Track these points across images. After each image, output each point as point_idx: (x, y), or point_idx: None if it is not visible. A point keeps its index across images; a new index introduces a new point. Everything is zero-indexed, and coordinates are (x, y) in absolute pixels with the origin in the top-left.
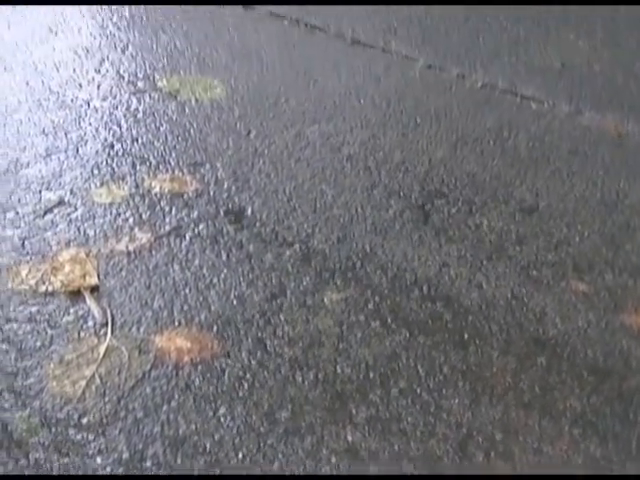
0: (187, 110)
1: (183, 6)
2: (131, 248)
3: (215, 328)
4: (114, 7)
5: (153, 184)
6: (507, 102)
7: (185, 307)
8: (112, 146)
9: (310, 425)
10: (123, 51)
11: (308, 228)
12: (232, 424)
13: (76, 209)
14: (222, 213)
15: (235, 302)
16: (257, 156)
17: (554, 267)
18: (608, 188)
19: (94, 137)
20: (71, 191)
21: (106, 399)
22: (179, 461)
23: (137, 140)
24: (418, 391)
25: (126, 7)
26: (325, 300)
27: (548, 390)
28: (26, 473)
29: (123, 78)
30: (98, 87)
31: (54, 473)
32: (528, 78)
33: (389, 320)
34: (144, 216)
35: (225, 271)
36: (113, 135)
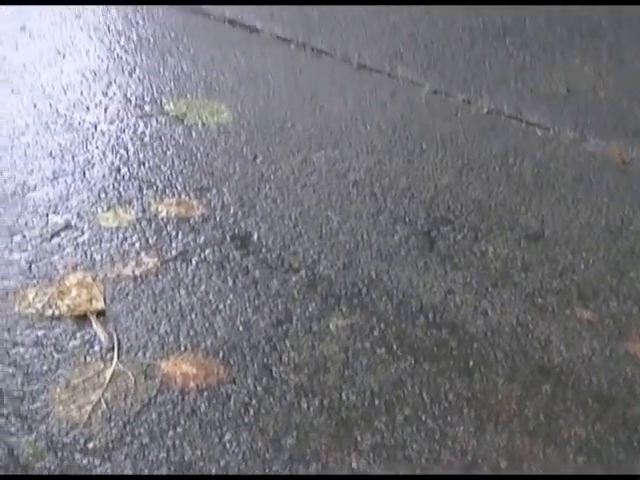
0: (194, 134)
1: (190, 29)
2: (137, 273)
3: (221, 354)
4: (122, 29)
5: (160, 208)
6: (513, 128)
7: (191, 332)
8: (119, 170)
9: (315, 452)
10: (130, 74)
11: (314, 254)
12: (238, 450)
13: (83, 233)
14: (228, 238)
15: (241, 328)
16: (263, 181)
17: (559, 294)
18: (613, 215)
19: (101, 160)
20: (78, 215)
21: (112, 424)
22: None
23: (144, 164)
24: (423, 418)
25: (134, 30)
26: (331, 326)
27: (553, 418)
28: None
29: (130, 101)
30: (105, 110)
31: None
32: (534, 104)
33: (394, 347)
34: (151, 241)
35: (231, 297)
36: (120, 159)
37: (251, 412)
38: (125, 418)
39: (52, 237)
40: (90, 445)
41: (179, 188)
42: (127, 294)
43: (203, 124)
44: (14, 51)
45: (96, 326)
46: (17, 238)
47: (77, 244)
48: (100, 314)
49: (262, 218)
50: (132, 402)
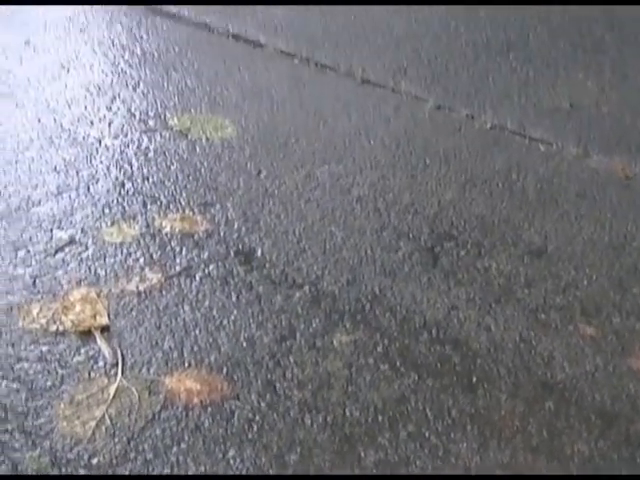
0: (198, 149)
1: (194, 43)
2: (141, 288)
3: (225, 370)
4: (126, 44)
5: (164, 224)
6: (516, 143)
7: (195, 348)
8: (123, 185)
9: (319, 468)
10: (134, 89)
11: (318, 270)
12: (241, 466)
13: (87, 248)
14: (232, 254)
15: (245, 344)
16: (267, 196)
17: (562, 310)
18: (616, 231)
19: (105, 175)
20: (82, 230)
21: (116, 440)
22: None
23: (148, 179)
24: (427, 434)
25: (138, 44)
26: (334, 342)
27: (556, 434)
28: None
29: (134, 116)
30: (109, 125)
31: None
32: (537, 119)
33: (398, 363)
34: (155, 256)
35: (235, 312)
36: (124, 174)
37: (255, 428)
38: (129, 434)
39: (56, 252)
40: (94, 461)
41: (183, 203)
42: (131, 310)
43: (207, 139)
44: (18, 65)
45: (100, 342)
46: (21, 253)
47: (81, 259)
48: (104, 330)
49: (266, 233)
50: (136, 418)
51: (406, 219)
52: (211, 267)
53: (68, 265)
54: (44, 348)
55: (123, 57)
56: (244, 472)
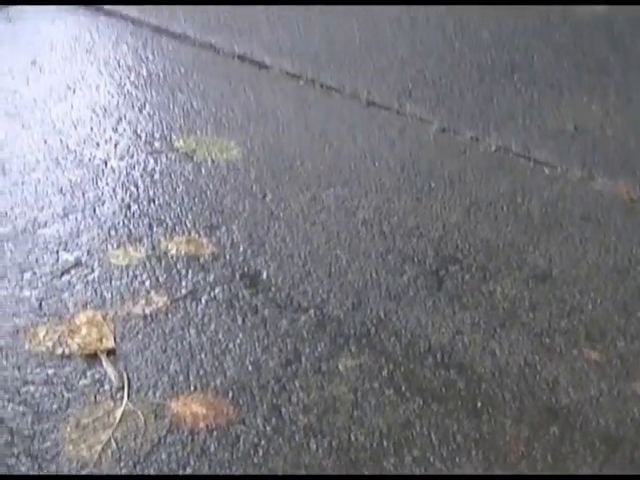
0: (203, 171)
1: (199, 64)
2: (147, 311)
3: (230, 394)
4: (132, 65)
5: (170, 246)
6: (520, 166)
7: (201, 372)
8: (129, 207)
9: None
10: (140, 110)
11: (323, 293)
12: None
13: (93, 270)
14: (238, 277)
15: (250, 368)
16: (273, 219)
17: (567, 335)
18: (620, 254)
19: (111, 197)
20: (88, 252)
21: (122, 464)
22: None
23: (154, 201)
24: (432, 459)
25: (144, 65)
26: (340, 367)
27: (560, 459)
28: None
29: (140, 138)
30: (115, 146)
31: None
32: (541, 142)
33: (403, 388)
34: (160, 279)
35: (241, 336)
36: (130, 195)
37: (260, 453)
38: (135, 458)
39: (62, 274)
40: None
41: (189, 226)
42: (137, 333)
43: (213, 161)
44: (25, 85)
45: (106, 365)
46: (28, 275)
47: (87, 282)
48: (110, 353)
49: (271, 256)
50: (142, 442)
51: (411, 242)
52: (217, 290)
53: (74, 287)
54: (50, 371)
55: (129, 78)
56: None
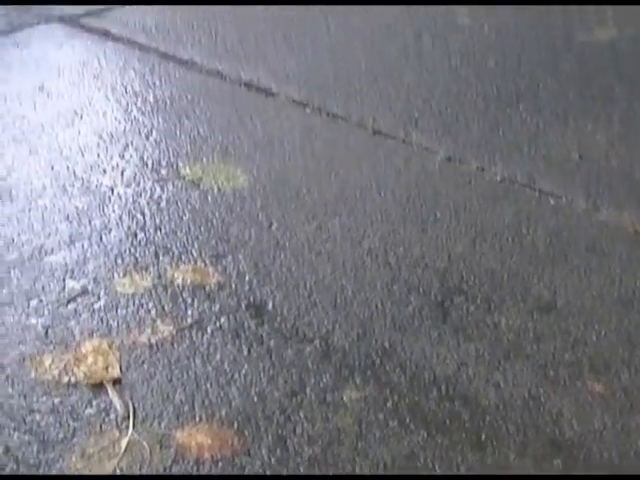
0: (210, 199)
1: (206, 91)
2: (153, 340)
3: (236, 424)
4: (139, 91)
5: (176, 275)
6: (526, 196)
7: (206, 402)
8: (135, 235)
9: None
10: (147, 137)
11: (328, 324)
12: None
13: (99, 299)
14: (243, 307)
15: (256, 398)
16: (279, 249)
17: (571, 367)
18: (625, 286)
19: (117, 225)
20: (94, 280)
21: None
22: None
23: (160, 229)
24: None
25: (150, 91)
26: (344, 398)
27: None
28: None
29: (147, 165)
30: (122, 173)
31: None
32: (547, 172)
33: (407, 419)
34: (166, 308)
35: (246, 366)
36: (136, 223)
37: None
38: None
39: (69, 302)
40: None
41: (195, 254)
42: (143, 362)
43: (219, 189)
44: (32, 111)
45: (112, 394)
46: (34, 302)
47: (93, 310)
48: (116, 382)
49: (277, 286)
50: (147, 472)
51: (416, 273)
52: (222, 320)
53: (80, 316)
54: (56, 400)
55: (136, 104)
56: None
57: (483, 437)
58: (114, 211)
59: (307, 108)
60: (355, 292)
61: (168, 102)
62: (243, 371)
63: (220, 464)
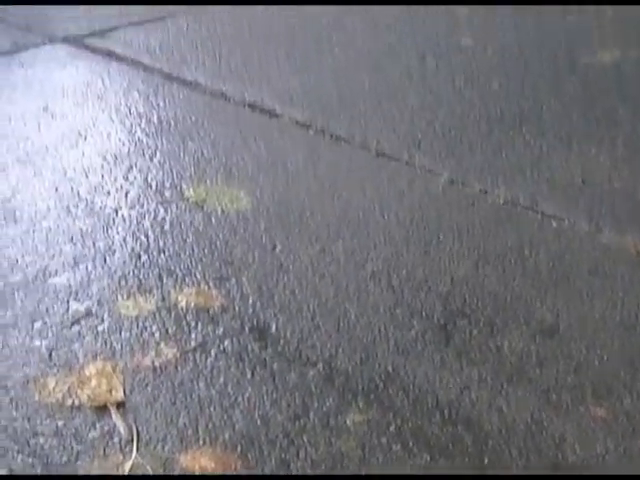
0: (213, 221)
1: (210, 112)
2: (157, 363)
3: (239, 448)
4: (143, 112)
5: (179, 298)
6: (529, 219)
7: (210, 425)
8: (139, 257)
9: None
10: (151, 158)
11: (331, 347)
12: None
13: (103, 321)
14: (247, 330)
15: (259, 422)
16: (282, 271)
17: (573, 391)
18: (627, 310)
19: (121, 247)
20: (98, 302)
21: None
22: None
23: (164, 251)
24: None
25: (154, 112)
26: (348, 422)
27: None
28: None
29: (151, 186)
30: (126, 195)
31: None
32: (550, 194)
33: (410, 443)
34: (170, 330)
35: (249, 389)
36: (140, 245)
37: None
38: None
39: (73, 324)
40: None
41: (199, 277)
42: (146, 385)
43: (223, 211)
44: (37, 132)
45: (116, 417)
46: (38, 324)
47: (97, 332)
48: (120, 405)
49: (280, 309)
50: None
51: (419, 296)
52: (226, 343)
53: (84, 338)
54: (60, 423)
55: (140, 125)
56: None
57: (486, 461)
58: (118, 233)
59: (310, 129)
60: (358, 315)
61: (172, 123)
62: (246, 394)
63: None
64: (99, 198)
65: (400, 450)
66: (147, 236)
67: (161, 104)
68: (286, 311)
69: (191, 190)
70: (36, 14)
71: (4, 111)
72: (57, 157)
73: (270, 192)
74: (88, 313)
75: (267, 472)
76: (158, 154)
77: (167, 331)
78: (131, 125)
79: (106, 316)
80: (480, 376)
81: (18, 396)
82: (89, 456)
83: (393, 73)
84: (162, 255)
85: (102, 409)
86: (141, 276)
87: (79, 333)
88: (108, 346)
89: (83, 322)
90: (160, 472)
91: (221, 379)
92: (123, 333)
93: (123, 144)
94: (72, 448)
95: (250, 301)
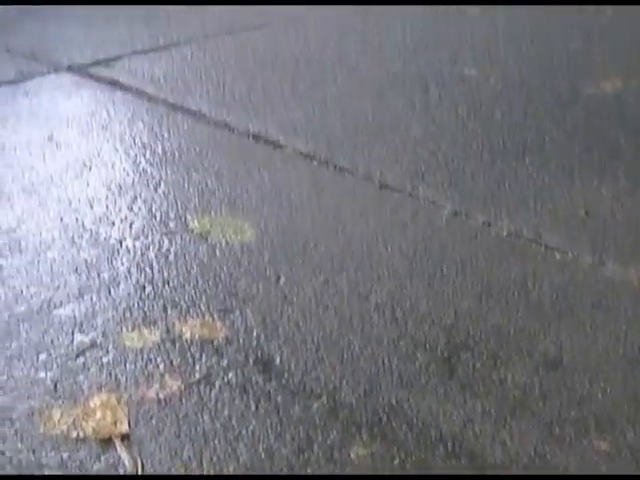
0: (218, 253)
1: (214, 143)
2: (162, 395)
3: None
4: (147, 142)
5: (184, 329)
6: (532, 251)
7: (214, 458)
8: (144, 288)
9: None
10: (156, 189)
11: (335, 380)
12: None
13: (108, 353)
14: (251, 362)
15: (263, 455)
16: (286, 303)
17: (577, 424)
18: (630, 342)
19: (126, 278)
20: (103, 334)
21: None
22: None
23: (168, 283)
24: None
25: (159, 143)
26: (352, 455)
27: None
28: None
29: (155, 217)
30: (131, 226)
31: None
32: (553, 227)
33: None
34: (175, 363)
35: (254, 422)
36: (145, 277)
37: None
38: None
39: (77, 356)
40: None
41: (203, 309)
42: (151, 417)
43: (227, 243)
44: (42, 161)
45: (120, 450)
46: (43, 356)
47: (102, 364)
48: (124, 437)
49: (285, 341)
50: None
51: (423, 328)
52: (230, 375)
53: (89, 370)
54: (65, 455)
55: (144, 155)
56: None
57: None
58: (123, 264)
59: (314, 160)
60: (362, 347)
61: (176, 154)
62: (251, 427)
63: None
64: (104, 229)
65: None
66: (152, 267)
67: (165, 134)
68: (290, 343)
69: (195, 221)
70: (41, 42)
71: (9, 140)
72: (62, 187)
73: (274, 223)
74: (93, 345)
75: None
76: (162, 185)
77: (172, 363)
78: (136, 155)
79: (111, 348)
80: (484, 409)
81: (23, 428)
82: None
83: (396, 103)
84: (167, 286)
85: (107, 441)
86: (146, 307)
87: (84, 365)
88: (113, 378)
89: (88, 354)
90: None
91: (225, 412)
92: (128, 365)
93: (128, 174)
94: None
95: (254, 333)
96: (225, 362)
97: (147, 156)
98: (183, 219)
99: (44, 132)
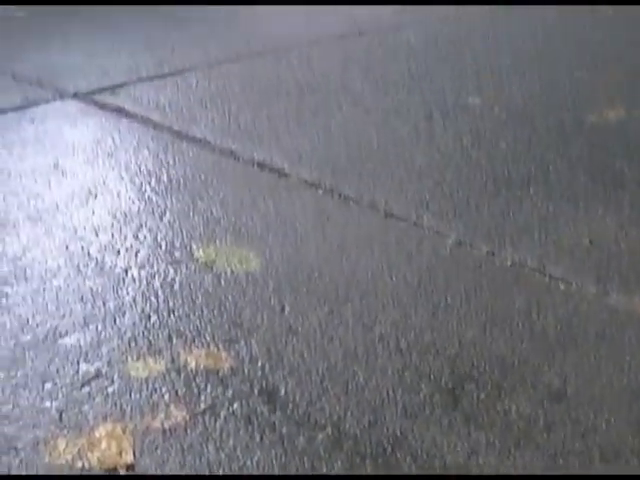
0: (223, 282)
1: (219, 171)
2: (167, 425)
3: None
4: (152, 170)
5: (189, 359)
6: (536, 281)
7: None
8: (149, 317)
9: None
10: (161, 217)
11: (340, 410)
12: None
13: (113, 382)
14: (256, 392)
15: None
16: (291, 333)
17: (581, 456)
18: (635, 373)
19: (131, 307)
20: (108, 363)
21: None
22: None
23: (173, 312)
24: None
25: (164, 171)
26: None
27: None
28: None
29: (160, 246)
30: (136, 255)
31: None
32: (557, 256)
33: None
34: (180, 393)
35: (258, 453)
36: (150, 306)
37: None
38: None
39: (83, 386)
40: None
41: (208, 338)
42: (156, 448)
43: (232, 272)
44: (47, 189)
45: None
46: (48, 385)
47: (107, 394)
48: (129, 468)
49: (289, 372)
50: None
51: (427, 359)
52: (235, 405)
53: (94, 400)
54: None
55: (150, 184)
56: None
57: None
58: (128, 293)
59: (319, 189)
60: (367, 379)
61: (182, 182)
62: (255, 458)
63: None
64: (109, 257)
65: None
66: (157, 297)
67: (171, 162)
68: (295, 374)
69: (201, 250)
70: (46, 69)
71: (15, 167)
72: (67, 215)
73: (279, 253)
74: (98, 374)
75: None
76: (168, 213)
77: (177, 393)
78: (141, 183)
79: (116, 377)
80: (488, 440)
81: (28, 458)
82: None
83: (401, 132)
84: (172, 316)
85: (112, 471)
86: (151, 337)
87: (89, 394)
88: (118, 408)
89: (93, 383)
90: None
91: (230, 442)
92: (133, 395)
93: (133, 203)
94: None
95: (259, 363)
96: (230, 392)
97: (152, 184)
98: (188, 248)
99: (50, 159)
